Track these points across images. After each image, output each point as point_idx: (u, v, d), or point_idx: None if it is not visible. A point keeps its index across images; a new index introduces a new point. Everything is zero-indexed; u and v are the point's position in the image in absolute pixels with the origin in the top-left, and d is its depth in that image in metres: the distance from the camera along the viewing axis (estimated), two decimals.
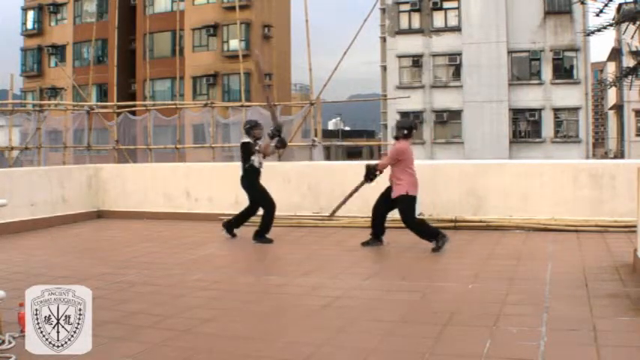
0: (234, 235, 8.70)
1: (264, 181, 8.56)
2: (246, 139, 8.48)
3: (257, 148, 8.40)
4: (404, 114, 34.58)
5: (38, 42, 43.99)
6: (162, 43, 39.26)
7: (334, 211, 8.99)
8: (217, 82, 39.25)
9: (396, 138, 7.69)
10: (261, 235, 8.34)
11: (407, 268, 6.51)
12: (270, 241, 8.29)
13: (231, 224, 8.74)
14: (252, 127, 8.52)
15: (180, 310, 5.00)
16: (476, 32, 33.18)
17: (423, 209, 8.67)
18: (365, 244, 7.78)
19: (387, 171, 7.65)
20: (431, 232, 7.36)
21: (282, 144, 8.81)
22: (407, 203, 7.43)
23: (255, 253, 7.87)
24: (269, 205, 8.40)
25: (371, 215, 7.87)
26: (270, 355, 3.91)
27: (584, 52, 32.40)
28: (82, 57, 42.07)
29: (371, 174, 7.75)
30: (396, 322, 4.49)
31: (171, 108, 17.45)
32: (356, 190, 8.21)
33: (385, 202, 7.66)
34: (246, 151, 8.38)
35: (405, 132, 7.59)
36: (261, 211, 8.50)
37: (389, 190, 7.60)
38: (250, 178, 8.43)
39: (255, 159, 8.39)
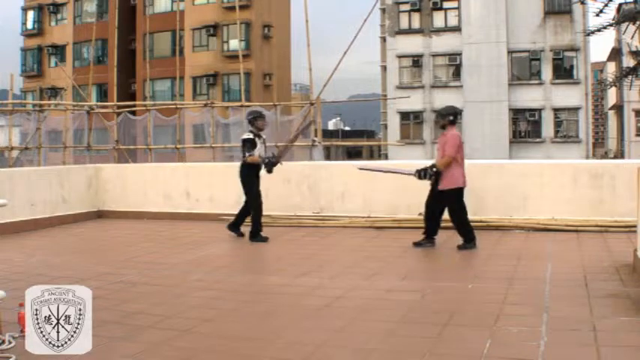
0: (241, 234, 8.68)
1: (265, 180, 8.55)
2: (248, 135, 8.43)
3: (258, 140, 8.34)
4: (404, 114, 34.62)
5: (38, 42, 43.98)
6: (162, 43, 39.25)
7: (365, 169, 8.86)
8: (217, 82, 39.23)
9: (443, 127, 7.38)
10: (254, 235, 8.33)
11: (407, 268, 6.51)
12: (265, 239, 8.27)
13: (235, 224, 8.76)
14: (255, 118, 8.50)
15: (180, 310, 5.00)
16: (476, 32, 33.17)
17: (424, 209, 8.66)
18: (417, 244, 7.46)
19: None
20: (469, 236, 7.25)
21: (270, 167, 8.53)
22: (455, 197, 7.24)
23: (255, 254, 7.87)
24: (255, 202, 8.37)
25: (424, 212, 7.53)
26: (270, 355, 3.91)
27: (584, 52, 32.39)
28: (82, 57, 42.06)
29: (426, 176, 7.34)
30: (396, 322, 4.49)
31: (171, 108, 17.45)
32: (397, 172, 8.00)
33: (436, 197, 7.34)
34: (250, 144, 8.32)
35: (452, 118, 7.35)
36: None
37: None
38: (245, 172, 8.41)
39: (255, 153, 8.34)
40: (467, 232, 7.33)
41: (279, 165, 8.53)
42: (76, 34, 42.25)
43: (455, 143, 7.21)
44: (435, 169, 7.30)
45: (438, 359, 3.73)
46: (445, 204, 7.35)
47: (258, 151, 8.38)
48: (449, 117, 7.36)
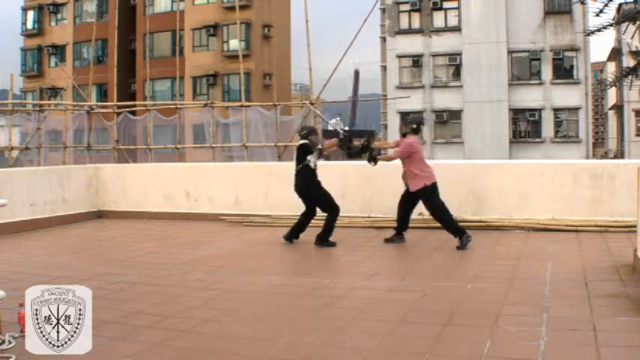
0: (296, 237, 8.20)
1: (265, 180, 8.53)
2: (305, 141, 8.01)
3: (317, 147, 7.98)
4: (404, 114, 34.60)
5: (38, 42, 43.97)
6: (162, 43, 39.25)
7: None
8: (217, 82, 39.23)
9: (404, 135, 7.83)
10: (324, 239, 7.92)
11: (407, 268, 6.51)
12: (333, 244, 7.88)
13: (292, 234, 8.20)
14: (309, 133, 8.10)
15: (180, 310, 5.00)
16: (476, 32, 33.17)
17: (424, 209, 8.66)
18: (388, 240, 7.88)
19: (397, 169, 7.72)
20: (456, 228, 7.46)
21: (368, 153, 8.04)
22: (429, 194, 7.53)
23: (254, 254, 7.87)
24: (332, 207, 8.00)
25: (396, 213, 7.96)
26: (270, 355, 3.91)
27: (584, 52, 32.39)
28: (82, 57, 42.06)
29: (372, 159, 7.85)
30: (396, 322, 4.49)
31: (171, 108, 17.42)
32: (361, 149, 8.11)
33: (407, 198, 7.78)
34: (304, 151, 7.93)
35: (414, 127, 7.79)
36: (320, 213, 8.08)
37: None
38: (309, 178, 7.97)
39: (312, 159, 7.94)
40: (454, 227, 7.48)
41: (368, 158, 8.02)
42: (76, 34, 42.25)
43: (405, 150, 7.62)
44: (377, 160, 7.87)
45: (438, 359, 3.73)
46: (423, 203, 7.67)
47: (313, 158, 7.94)
48: (412, 125, 7.84)
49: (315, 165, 8.04)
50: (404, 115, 34.25)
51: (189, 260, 7.29)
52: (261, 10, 39.67)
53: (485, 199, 9.08)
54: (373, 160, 7.89)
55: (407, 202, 7.85)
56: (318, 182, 8.04)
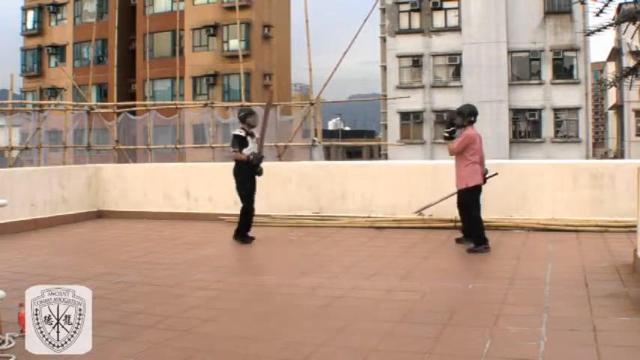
0: (251, 239, 8.30)
1: (265, 180, 8.52)
2: (239, 131, 8.19)
3: (250, 140, 8.11)
4: (404, 114, 34.60)
5: (38, 42, 43.97)
6: (162, 43, 39.25)
7: (425, 207, 8.81)
8: (217, 82, 39.22)
9: (461, 126, 7.32)
10: (237, 235, 8.24)
11: (407, 268, 6.50)
12: (250, 241, 8.17)
13: (240, 231, 8.35)
14: (246, 115, 8.27)
15: (180, 310, 5.00)
16: (476, 32, 33.17)
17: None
18: (458, 241, 7.62)
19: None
20: (479, 237, 7.15)
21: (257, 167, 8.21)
22: (467, 197, 7.25)
23: (254, 254, 7.87)
24: (249, 204, 8.19)
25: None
26: (270, 355, 3.91)
27: (584, 52, 32.38)
28: (82, 57, 42.06)
29: (450, 133, 7.43)
30: (396, 322, 4.49)
31: (172, 108, 17.44)
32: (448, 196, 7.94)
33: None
34: (240, 143, 8.09)
35: (472, 119, 7.28)
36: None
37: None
38: (236, 170, 8.20)
39: (247, 152, 8.09)
40: (477, 235, 7.18)
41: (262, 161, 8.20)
42: (76, 34, 42.25)
43: (464, 143, 7.17)
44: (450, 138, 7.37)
45: (438, 359, 3.73)
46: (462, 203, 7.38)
47: (251, 150, 8.10)
48: (470, 117, 7.27)
49: (254, 155, 8.06)
50: (404, 115, 34.37)
51: (189, 260, 7.28)
52: (261, 10, 39.66)
53: (485, 199, 9.04)
54: (451, 137, 7.41)
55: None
56: (248, 173, 8.09)
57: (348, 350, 3.95)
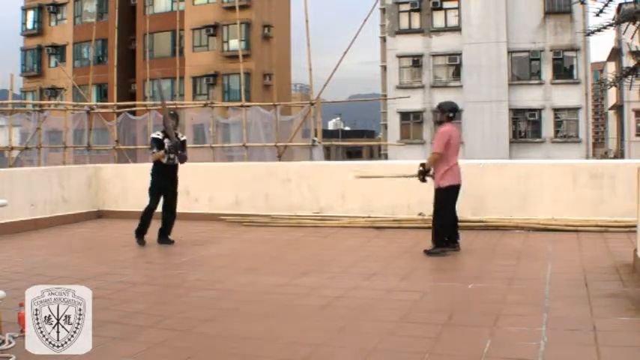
0: (171, 241, 8.37)
1: (265, 180, 8.52)
2: (157, 134, 8.31)
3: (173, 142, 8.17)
4: (404, 114, 34.60)
5: (38, 42, 43.97)
6: (162, 43, 39.24)
7: (364, 177, 8.69)
8: (217, 82, 39.23)
9: (439, 122, 7.22)
10: (137, 234, 8.33)
11: (407, 268, 6.51)
12: (143, 243, 8.23)
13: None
14: (171, 116, 8.34)
15: (180, 310, 5.00)
16: (476, 32, 33.17)
17: (424, 209, 8.67)
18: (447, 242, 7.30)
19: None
20: (440, 240, 7.03)
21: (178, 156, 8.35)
22: (439, 196, 7.05)
23: (254, 254, 7.87)
24: (151, 202, 8.36)
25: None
26: (270, 355, 3.91)
27: (584, 52, 32.39)
28: (82, 57, 42.06)
29: (423, 174, 7.20)
30: (396, 322, 4.49)
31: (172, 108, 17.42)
32: (405, 176, 7.76)
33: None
34: (157, 145, 8.22)
35: (451, 115, 7.12)
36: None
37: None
38: (154, 170, 8.40)
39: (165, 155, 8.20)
40: (438, 237, 7.02)
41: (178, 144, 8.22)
42: (76, 34, 42.25)
43: (442, 141, 6.99)
44: (429, 170, 7.16)
45: (438, 359, 3.73)
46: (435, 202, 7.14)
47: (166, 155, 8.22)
48: (449, 113, 7.15)
49: (171, 158, 8.24)
50: (404, 115, 34.39)
51: (189, 260, 7.29)
52: (261, 10, 39.67)
53: (485, 199, 9.08)
54: (423, 179, 7.27)
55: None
56: (161, 172, 8.30)
57: (348, 350, 3.95)
